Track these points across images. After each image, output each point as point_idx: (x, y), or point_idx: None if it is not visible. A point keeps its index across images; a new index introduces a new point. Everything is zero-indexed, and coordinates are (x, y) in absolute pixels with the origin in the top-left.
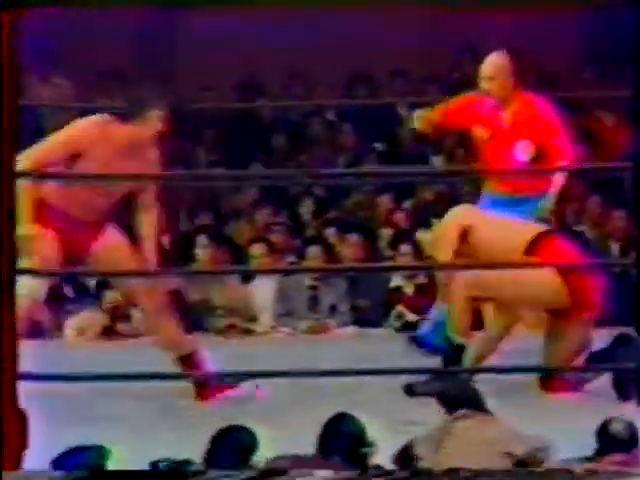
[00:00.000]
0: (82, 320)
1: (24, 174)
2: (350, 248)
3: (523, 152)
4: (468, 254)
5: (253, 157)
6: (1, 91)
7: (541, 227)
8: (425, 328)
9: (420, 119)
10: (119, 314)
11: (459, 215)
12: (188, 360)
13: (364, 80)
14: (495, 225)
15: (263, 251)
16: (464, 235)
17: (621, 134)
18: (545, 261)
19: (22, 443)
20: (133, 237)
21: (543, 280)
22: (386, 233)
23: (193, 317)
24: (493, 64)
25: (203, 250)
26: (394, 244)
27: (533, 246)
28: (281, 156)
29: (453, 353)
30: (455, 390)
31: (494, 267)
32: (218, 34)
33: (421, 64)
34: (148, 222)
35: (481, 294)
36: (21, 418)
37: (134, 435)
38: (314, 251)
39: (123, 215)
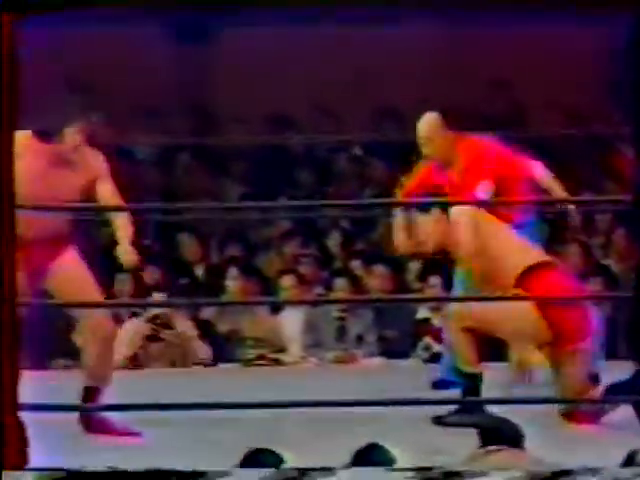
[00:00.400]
0: (126, 331)
1: (23, 206)
2: (377, 279)
3: (483, 192)
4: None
5: (281, 190)
6: (1, 93)
7: (541, 256)
8: (442, 365)
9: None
10: (162, 322)
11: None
12: (92, 394)
13: (391, 114)
14: (502, 235)
15: (292, 283)
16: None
17: None
18: (533, 292)
19: (23, 458)
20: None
21: (524, 314)
22: (413, 265)
23: (222, 347)
24: (426, 126)
25: (233, 281)
26: (422, 276)
27: (526, 275)
28: (309, 189)
29: (469, 383)
30: (496, 424)
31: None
32: (248, 67)
33: (450, 97)
34: (120, 225)
35: (472, 325)
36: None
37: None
38: (341, 283)
39: None
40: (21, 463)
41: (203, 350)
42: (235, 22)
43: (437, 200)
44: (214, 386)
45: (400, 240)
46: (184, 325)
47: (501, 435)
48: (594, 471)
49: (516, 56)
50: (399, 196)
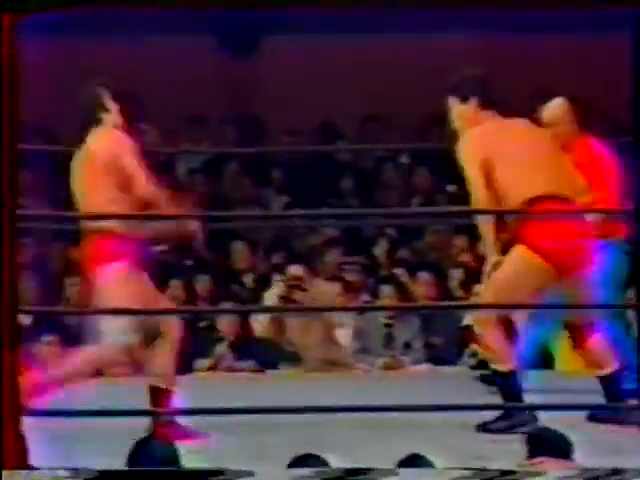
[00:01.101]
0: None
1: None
2: (421, 287)
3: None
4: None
5: (328, 199)
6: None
7: (546, 187)
8: None
9: None
10: (297, 285)
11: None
12: (161, 394)
13: (438, 123)
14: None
15: (339, 290)
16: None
17: None
18: (536, 229)
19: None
20: None
21: (529, 269)
22: (457, 273)
23: (271, 354)
24: (554, 110)
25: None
26: (466, 284)
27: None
28: (356, 198)
29: (505, 383)
30: (543, 433)
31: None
32: (296, 78)
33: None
34: None
35: (496, 317)
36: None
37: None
38: (387, 290)
39: None
40: (20, 463)
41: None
42: (284, 32)
43: (487, 209)
44: (262, 391)
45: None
46: (322, 286)
47: (548, 445)
48: None
49: (558, 66)
50: None
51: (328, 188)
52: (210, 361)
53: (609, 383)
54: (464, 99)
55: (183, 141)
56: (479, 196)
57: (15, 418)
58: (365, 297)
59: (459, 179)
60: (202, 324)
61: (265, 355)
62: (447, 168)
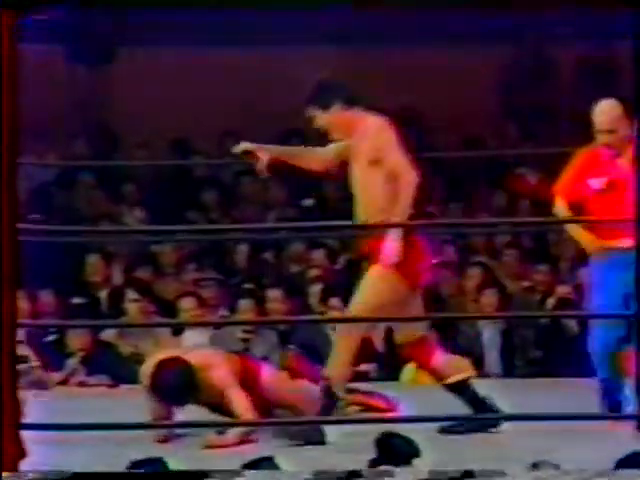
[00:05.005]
0: None
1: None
2: (278, 301)
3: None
4: None
5: (185, 213)
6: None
7: None
8: None
9: None
10: None
11: None
12: None
13: (296, 134)
14: None
15: (192, 305)
16: None
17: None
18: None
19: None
20: None
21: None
22: (315, 288)
23: (125, 369)
24: (609, 117)
25: (133, 304)
26: (324, 298)
27: None
28: (213, 212)
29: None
30: (393, 442)
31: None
32: (151, 91)
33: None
34: None
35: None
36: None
37: None
38: (246, 304)
39: None
40: (17, 465)
41: None
42: (141, 44)
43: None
44: (116, 407)
45: None
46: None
47: (395, 451)
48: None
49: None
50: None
51: (186, 202)
52: (61, 375)
53: (463, 390)
54: (326, 107)
55: (32, 154)
56: None
57: (14, 422)
58: (223, 312)
59: (315, 193)
60: (50, 338)
61: (119, 370)
62: (304, 182)
